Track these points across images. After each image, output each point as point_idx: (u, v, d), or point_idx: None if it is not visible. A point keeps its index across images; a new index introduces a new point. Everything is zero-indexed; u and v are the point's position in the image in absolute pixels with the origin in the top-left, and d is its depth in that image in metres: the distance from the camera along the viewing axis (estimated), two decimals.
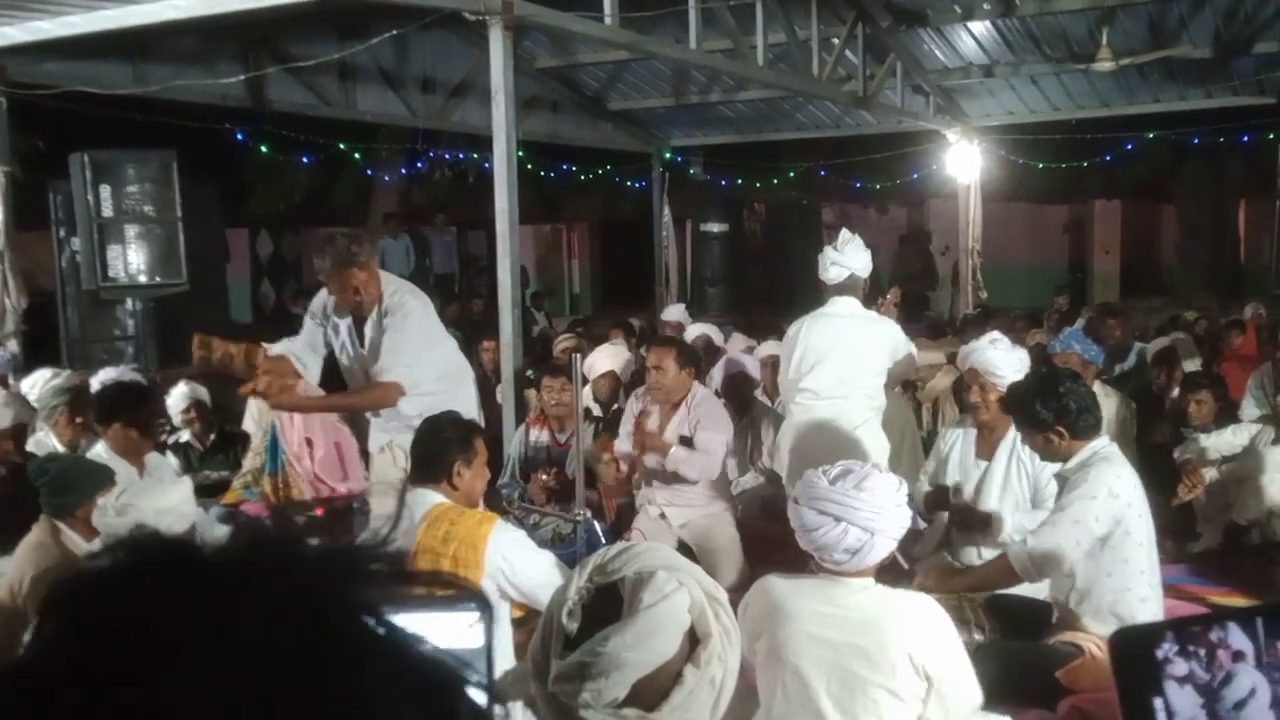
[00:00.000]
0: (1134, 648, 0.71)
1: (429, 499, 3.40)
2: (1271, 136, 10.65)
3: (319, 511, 5.11)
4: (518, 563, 3.25)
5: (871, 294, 5.39)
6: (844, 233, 5.26)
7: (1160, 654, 0.71)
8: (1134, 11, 8.68)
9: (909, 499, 2.78)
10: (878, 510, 2.64)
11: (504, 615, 3.27)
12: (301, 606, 0.59)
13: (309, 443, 5.38)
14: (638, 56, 9.39)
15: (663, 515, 5.12)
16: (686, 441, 5.01)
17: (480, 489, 3.63)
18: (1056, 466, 3.92)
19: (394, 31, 7.57)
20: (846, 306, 5.06)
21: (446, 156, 13.34)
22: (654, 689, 1.71)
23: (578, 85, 11.17)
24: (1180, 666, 0.71)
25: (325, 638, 0.58)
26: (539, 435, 5.64)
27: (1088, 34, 9.07)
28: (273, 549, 0.62)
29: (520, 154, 6.42)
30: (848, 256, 5.08)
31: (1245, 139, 12.31)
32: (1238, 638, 0.72)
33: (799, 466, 4.75)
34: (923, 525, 4.91)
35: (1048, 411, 3.63)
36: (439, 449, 3.50)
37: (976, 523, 4.38)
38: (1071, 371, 4.25)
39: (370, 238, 10.00)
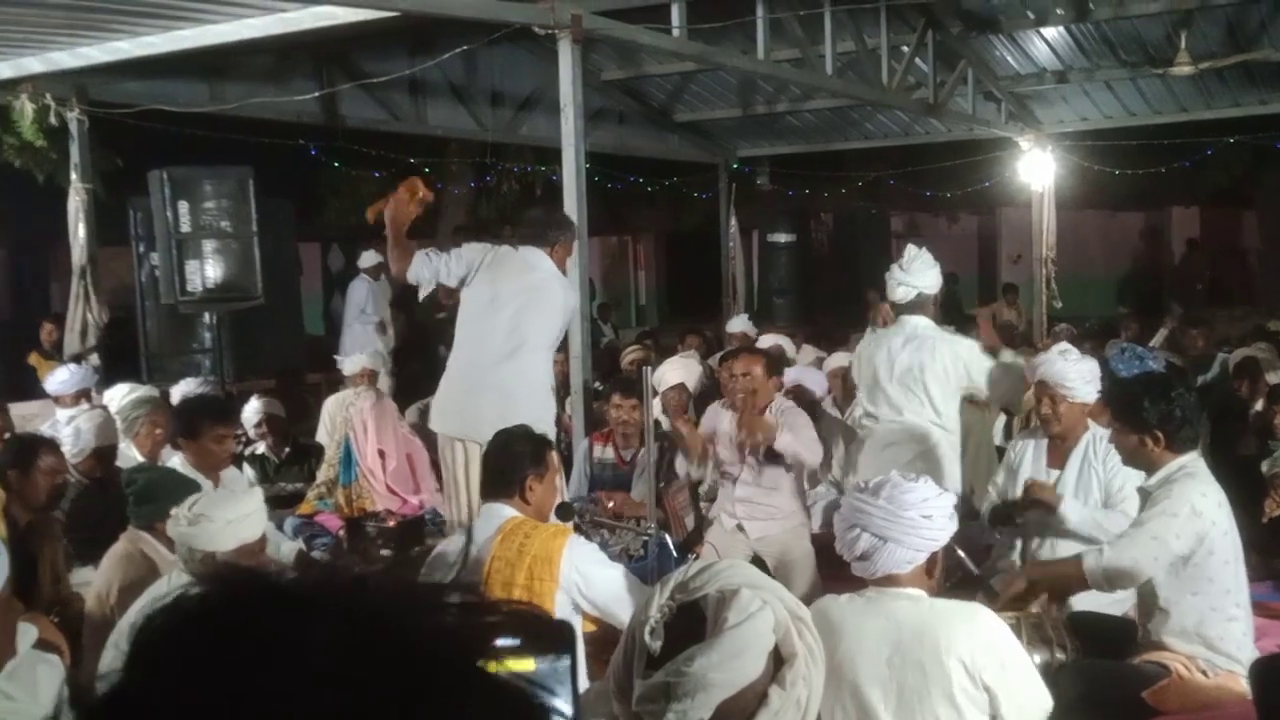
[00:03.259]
0: (1276, 677, 0.66)
1: (502, 512, 3.41)
2: None
3: (391, 523, 5.15)
4: (592, 577, 3.24)
5: (947, 308, 5.28)
6: (910, 249, 5.16)
7: None
8: (1212, 15, 8.48)
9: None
10: (892, 518, 2.61)
11: (577, 630, 3.26)
12: (385, 642, 0.58)
13: (381, 454, 5.43)
14: (705, 67, 9.37)
15: (740, 527, 5.07)
16: (771, 452, 4.97)
17: (551, 503, 3.64)
18: (1129, 474, 3.84)
19: (464, 47, 7.63)
20: (914, 327, 4.98)
21: (514, 169, 13.43)
22: (739, 710, 1.69)
23: (644, 97, 11.19)
24: None
25: (411, 673, 0.58)
26: (603, 452, 5.60)
27: (1165, 38, 8.88)
28: (353, 585, 0.62)
29: (587, 166, 6.43)
30: (914, 275, 5.00)
31: None
32: None
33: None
34: (995, 539, 4.85)
35: (1154, 413, 3.54)
36: (511, 463, 3.51)
37: (1046, 498, 4.28)
38: (1183, 378, 4.16)
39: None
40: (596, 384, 6.43)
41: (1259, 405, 6.63)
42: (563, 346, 5.92)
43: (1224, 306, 15.69)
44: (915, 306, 5.00)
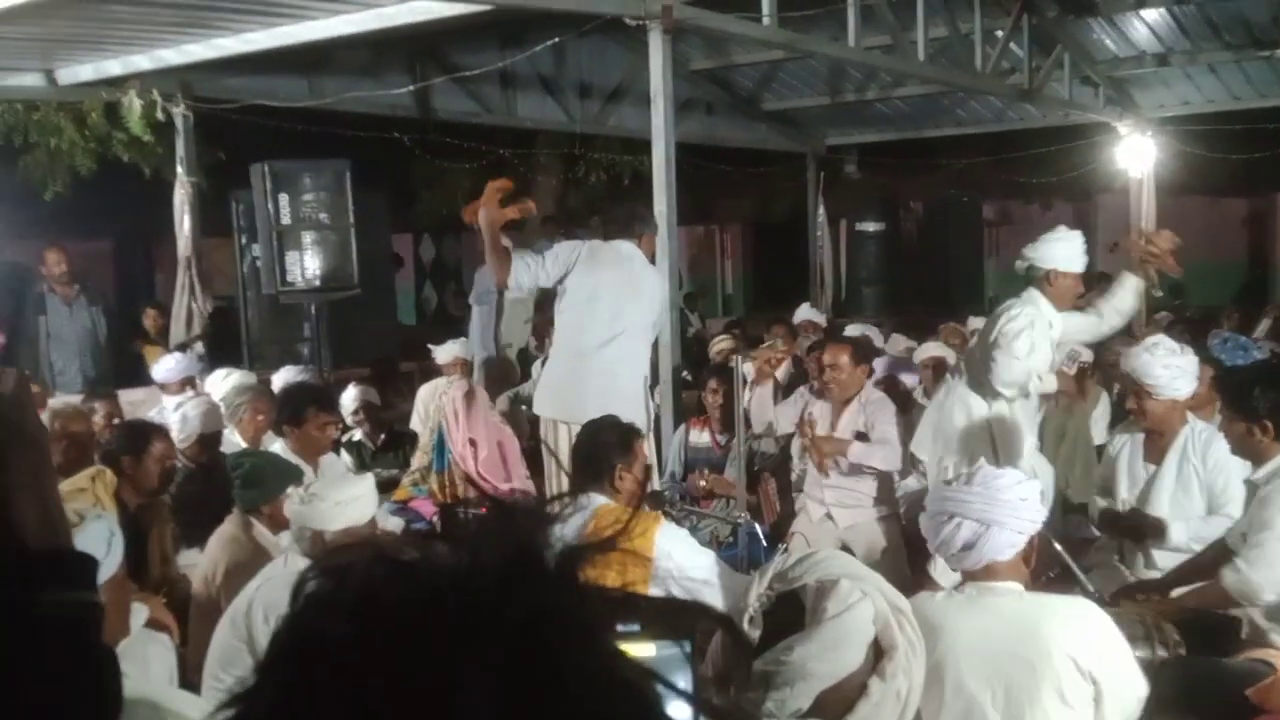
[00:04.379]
0: None
1: (594, 500, 3.45)
2: None
3: (484, 510, 5.23)
4: (684, 562, 3.27)
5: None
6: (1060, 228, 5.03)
7: None
8: None
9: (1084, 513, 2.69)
10: (991, 502, 2.59)
11: None
12: (531, 642, 0.60)
13: (472, 443, 5.53)
14: (793, 56, 9.31)
15: (829, 516, 5.08)
16: (862, 437, 4.99)
17: (641, 493, 3.68)
18: (1232, 471, 3.75)
19: (554, 40, 7.69)
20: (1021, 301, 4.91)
21: (602, 160, 13.50)
22: (838, 700, 1.70)
23: (732, 86, 11.15)
24: None
25: (555, 675, 0.60)
26: (700, 436, 5.66)
27: (1271, 19, 8.60)
28: (499, 578, 0.64)
29: (675, 156, 6.46)
30: (1031, 247, 4.92)
31: None
32: None
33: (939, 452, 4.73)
34: (1095, 534, 4.76)
35: (1264, 401, 3.46)
36: (601, 453, 3.56)
37: (1149, 530, 4.20)
38: None
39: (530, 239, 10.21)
40: (685, 373, 6.46)
41: None
42: None
43: None
44: (1030, 280, 4.91)
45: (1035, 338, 4.71)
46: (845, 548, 4.98)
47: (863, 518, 5.07)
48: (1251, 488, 3.54)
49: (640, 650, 0.72)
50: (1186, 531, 4.11)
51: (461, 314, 11.26)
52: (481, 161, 10.94)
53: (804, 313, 8.80)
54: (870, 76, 10.47)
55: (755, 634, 1.75)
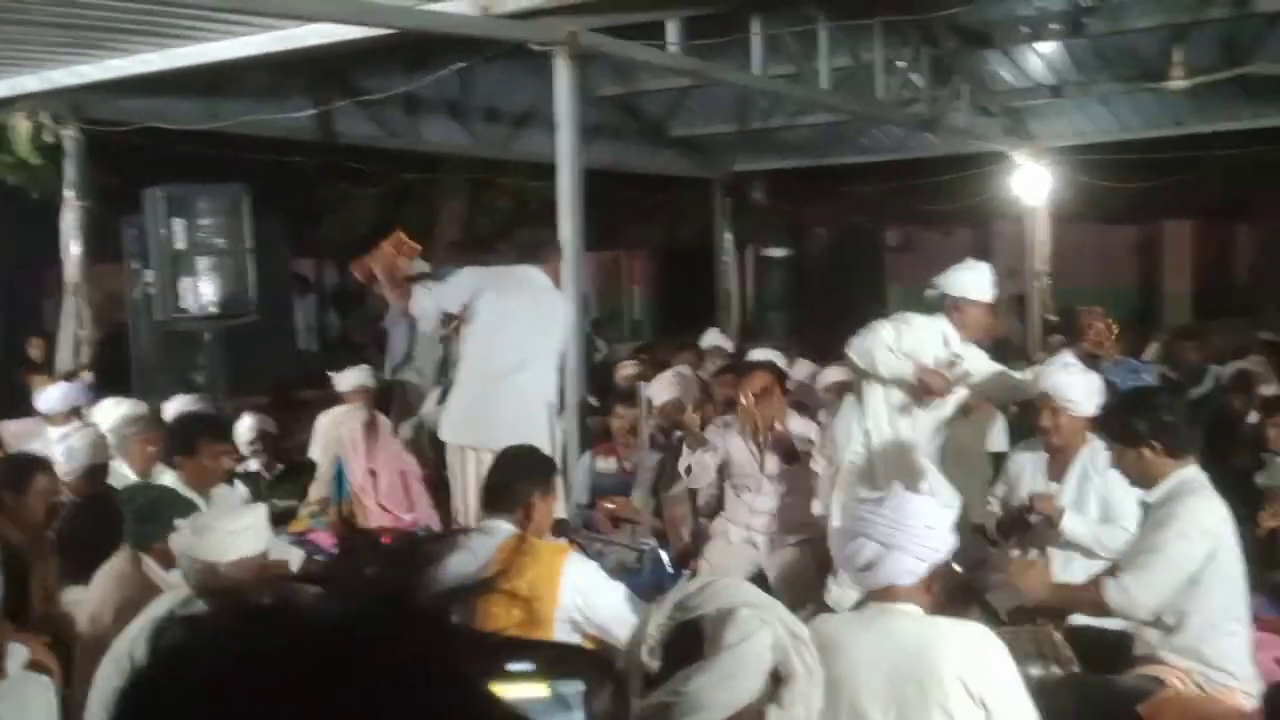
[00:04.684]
0: None
1: (502, 529, 3.39)
2: None
3: (385, 540, 5.13)
4: (592, 596, 3.23)
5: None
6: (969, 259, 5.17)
7: None
8: (1207, 29, 8.51)
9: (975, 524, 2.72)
10: (897, 526, 2.62)
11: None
12: (400, 690, 0.57)
13: (372, 473, 5.43)
14: (701, 83, 9.39)
15: (752, 541, 5.12)
16: (791, 455, 5.07)
17: (549, 524, 3.64)
18: (1128, 487, 3.83)
19: (460, 64, 7.64)
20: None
21: (509, 185, 13.45)
22: None
23: (640, 113, 11.21)
24: None
25: (417, 696, 0.57)
26: (606, 463, 5.64)
27: (1159, 52, 8.91)
28: (386, 617, 0.61)
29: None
30: (942, 276, 5.03)
31: None
32: None
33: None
34: (989, 552, 4.85)
35: (1143, 424, 3.55)
36: (516, 481, 3.49)
37: (1052, 538, 4.28)
38: (1168, 386, 4.19)
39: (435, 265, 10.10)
40: (591, 399, 6.43)
41: (1253, 417, 6.63)
42: None
43: (1213, 319, 15.69)
44: (942, 309, 5.00)
45: (904, 332, 4.83)
46: (762, 572, 5.04)
47: (789, 541, 5.12)
48: (1146, 508, 3.62)
49: (534, 690, 0.71)
50: (1083, 524, 4.22)
51: (365, 340, 11.10)
52: (386, 186, 10.83)
53: (711, 338, 8.86)
54: (776, 104, 10.61)
55: (654, 664, 1.71)
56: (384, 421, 5.83)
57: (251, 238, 6.84)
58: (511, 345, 4.87)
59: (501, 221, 13.62)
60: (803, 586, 4.90)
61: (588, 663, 0.73)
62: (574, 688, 0.76)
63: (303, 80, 8.33)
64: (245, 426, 6.29)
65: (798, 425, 5.20)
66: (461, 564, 3.40)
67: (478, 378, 4.93)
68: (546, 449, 4.53)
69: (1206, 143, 11.75)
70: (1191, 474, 3.56)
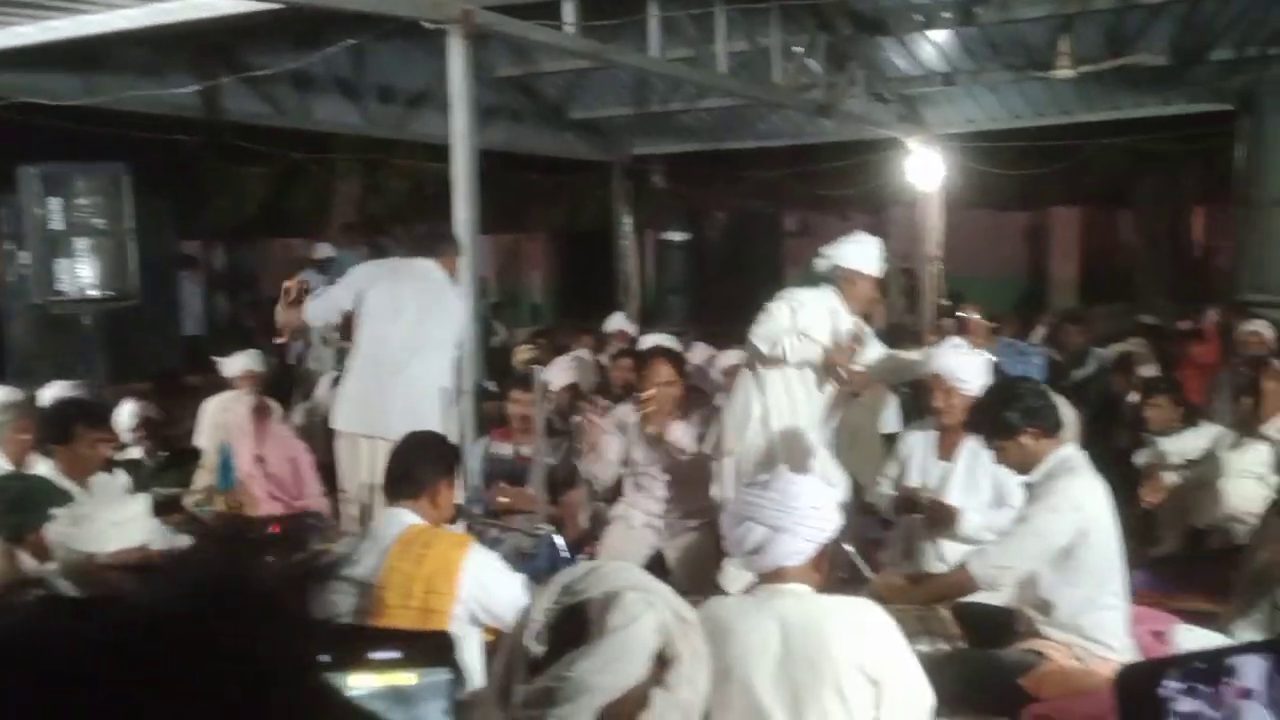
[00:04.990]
0: (1137, 685, 0.66)
1: (403, 519, 3.32)
2: (1227, 142, 10.75)
3: (274, 529, 5.01)
4: (493, 587, 3.19)
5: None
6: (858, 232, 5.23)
7: (1165, 691, 0.66)
8: (1093, 19, 8.74)
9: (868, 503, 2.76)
10: (783, 508, 2.65)
11: (475, 642, 3.20)
12: (229, 681, 0.54)
13: (260, 459, 5.30)
14: (599, 65, 9.34)
15: (651, 525, 5.14)
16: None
17: (452, 512, 3.60)
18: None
19: (351, 41, 7.47)
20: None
21: (405, 166, 13.24)
22: (621, 714, 1.66)
23: (538, 94, 11.11)
24: (1185, 704, 0.66)
25: (255, 714, 0.54)
26: (502, 449, 5.59)
27: (1047, 42, 9.11)
28: (224, 607, 0.59)
29: (479, 164, 6.38)
30: (833, 246, 5.08)
31: (1203, 146, 12.45)
32: (1244, 675, 0.67)
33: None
34: (883, 534, 4.94)
35: (1015, 414, 3.64)
36: (422, 465, 3.43)
37: (946, 518, 4.37)
38: (1024, 376, 4.33)
39: (329, 248, 9.90)
40: (490, 384, 6.36)
41: (1133, 398, 6.85)
42: None
43: (1099, 303, 16.21)
44: (832, 281, 5.05)
45: (798, 311, 4.89)
46: (661, 556, 5.06)
47: (689, 525, 5.14)
48: (1028, 489, 3.71)
49: (402, 679, 0.70)
50: (980, 519, 4.31)
51: (256, 324, 10.83)
52: (277, 165, 10.56)
53: (616, 322, 8.86)
54: (675, 88, 10.61)
55: (539, 649, 1.69)
56: (273, 407, 5.69)
57: (133, 218, 6.61)
58: (404, 335, 4.82)
59: (397, 203, 13.41)
60: (703, 570, 4.92)
61: (448, 645, 0.71)
62: (442, 675, 0.74)
63: (186, 55, 8.06)
64: (127, 413, 6.08)
65: (681, 432, 5.19)
66: (361, 553, 3.35)
67: (371, 367, 4.86)
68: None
69: (1092, 131, 12.11)
70: (1068, 452, 3.67)
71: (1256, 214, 9.81)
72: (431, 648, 0.72)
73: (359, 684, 0.68)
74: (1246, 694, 0.68)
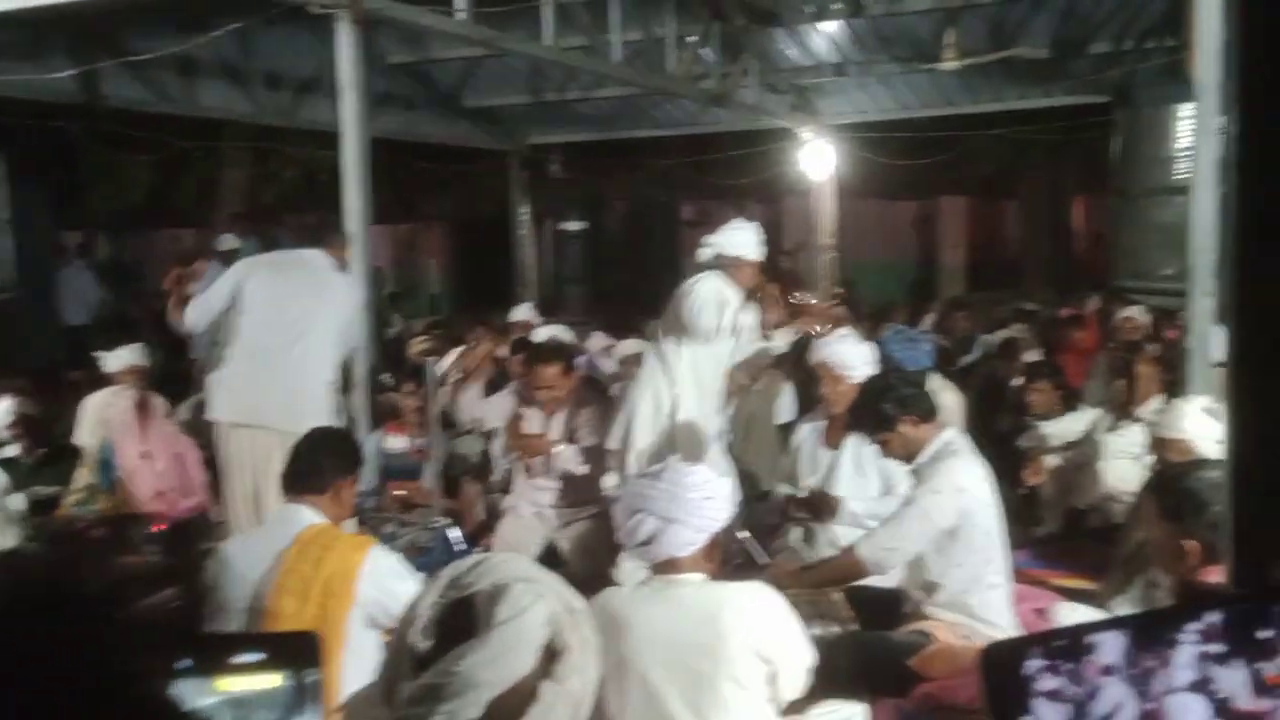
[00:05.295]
0: (1002, 663, 0.68)
1: (303, 517, 3.22)
2: (1105, 134, 11.12)
3: (159, 527, 4.88)
4: (393, 590, 3.13)
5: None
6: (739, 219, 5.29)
7: (1028, 670, 0.68)
8: (977, 13, 8.95)
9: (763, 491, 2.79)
10: (674, 500, 2.67)
11: (371, 646, 3.13)
12: (50, 682, 0.53)
13: (146, 456, 5.14)
14: (493, 53, 9.26)
15: (542, 515, 5.12)
16: (574, 438, 5.11)
17: (352, 512, 3.53)
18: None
19: (236, 25, 7.27)
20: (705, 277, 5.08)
21: (296, 154, 12.95)
22: (510, 707, 1.65)
23: (432, 81, 10.97)
24: (1049, 681, 0.68)
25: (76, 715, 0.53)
26: (396, 442, 5.52)
27: (933, 34, 9.31)
28: (20, 617, 0.57)
29: (373, 151, 6.27)
30: (718, 234, 5.12)
31: (1082, 137, 12.85)
32: (1104, 651, 0.70)
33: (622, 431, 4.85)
34: (778, 520, 5.01)
35: (890, 405, 3.73)
36: (327, 461, 3.34)
37: (828, 509, 4.45)
38: (894, 368, 4.45)
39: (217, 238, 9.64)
40: (386, 376, 6.27)
41: (1017, 382, 7.04)
42: None
43: (986, 291, 16.64)
44: (716, 268, 5.08)
45: (721, 295, 4.93)
46: (554, 547, 5.04)
47: (579, 515, 5.13)
48: (915, 474, 3.79)
49: (267, 681, 0.69)
50: (862, 507, 4.40)
51: (141, 317, 10.51)
52: (161, 153, 10.24)
53: (522, 312, 8.80)
54: (570, 76, 10.57)
55: (425, 645, 1.67)
56: (158, 402, 5.53)
57: (9, 207, 6.37)
58: (284, 324, 4.71)
59: (289, 192, 13.12)
60: (598, 560, 4.93)
61: (311, 644, 0.70)
62: (310, 677, 0.72)
63: (64, 38, 7.76)
64: (2, 410, 5.85)
65: (569, 458, 5.21)
66: (256, 552, 3.26)
67: (248, 356, 4.73)
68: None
69: (977, 122, 12.43)
70: (950, 436, 3.77)
71: (1131, 204, 10.18)
72: (298, 649, 0.71)
73: (223, 688, 0.67)
74: (1107, 670, 0.70)
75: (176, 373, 8.74)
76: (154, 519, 4.98)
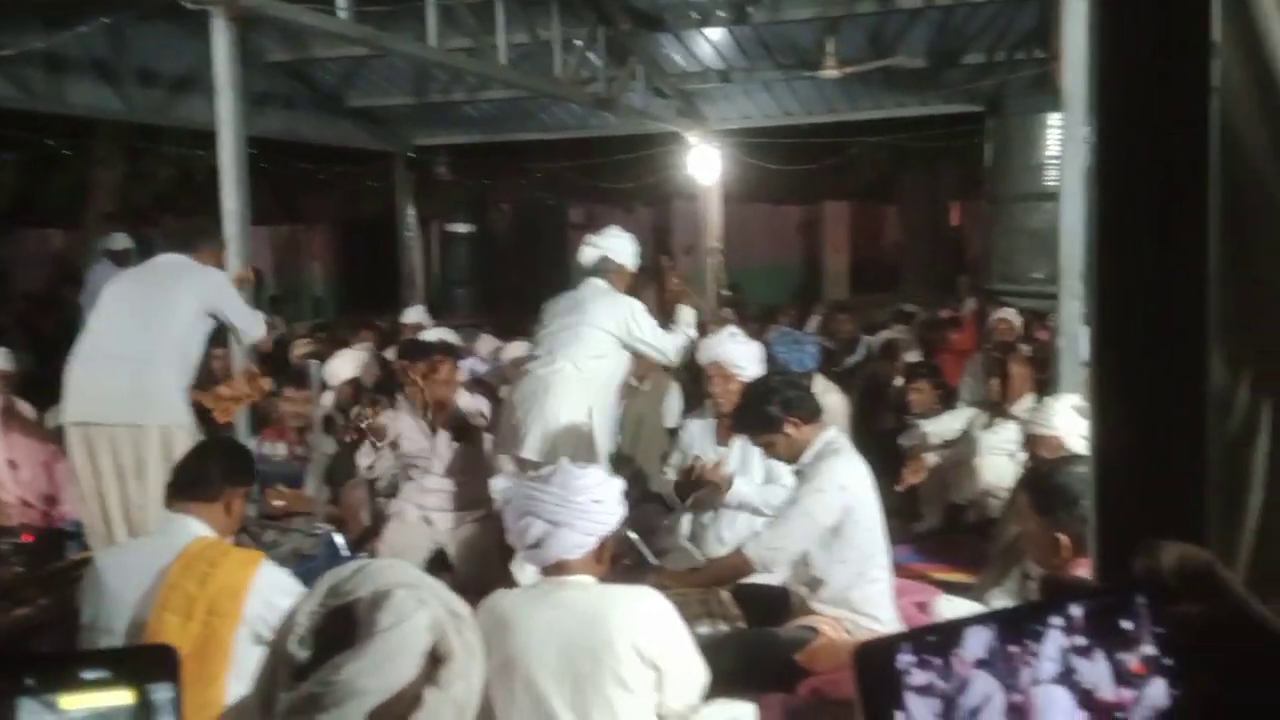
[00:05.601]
0: (874, 660, 0.69)
1: (189, 529, 3.09)
2: (979, 142, 11.46)
3: (27, 538, 4.67)
4: (282, 607, 3.03)
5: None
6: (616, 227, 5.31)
7: (900, 665, 0.69)
8: (857, 22, 9.13)
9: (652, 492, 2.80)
10: (564, 503, 2.68)
11: (258, 659, 3.03)
12: None
13: (12, 464, 4.93)
14: (377, 53, 9.12)
15: (427, 520, 5.05)
16: (464, 432, 5.11)
17: (242, 520, 3.42)
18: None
19: (105, 20, 7.02)
20: (587, 288, 5.06)
21: (172, 154, 12.57)
22: (392, 715, 1.62)
23: (313, 81, 10.75)
24: (919, 676, 0.70)
25: None
26: (274, 449, 5.39)
27: (815, 43, 9.48)
28: None
29: (253, 152, 6.12)
30: (603, 238, 5.13)
31: (958, 144, 13.24)
32: (973, 645, 0.71)
33: (508, 435, 4.79)
34: (666, 521, 5.04)
35: (776, 408, 3.79)
36: (220, 470, 3.22)
37: (720, 483, 4.49)
38: (777, 371, 4.54)
39: (90, 240, 9.29)
40: (266, 379, 6.12)
41: (899, 382, 7.22)
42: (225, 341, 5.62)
43: (868, 294, 17.03)
44: (597, 270, 5.08)
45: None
46: (441, 551, 4.99)
47: (464, 519, 5.08)
48: (799, 475, 3.85)
49: (117, 698, 0.66)
50: (748, 486, 4.50)
51: (9, 321, 10.09)
52: (28, 152, 9.84)
53: (413, 315, 8.71)
54: (456, 78, 10.48)
55: (304, 654, 1.63)
56: (24, 409, 5.30)
57: None
58: (135, 324, 4.55)
59: (164, 192, 12.72)
60: (485, 563, 4.89)
61: (164, 659, 0.68)
62: (164, 693, 0.70)
63: None
64: None
65: (467, 401, 5.19)
66: (135, 566, 3.12)
67: (95, 355, 4.56)
68: (180, 427, 4.33)
69: (859, 129, 12.70)
70: (832, 435, 3.86)
71: (1003, 209, 10.51)
72: (152, 664, 0.68)
73: (68, 706, 0.64)
74: (975, 664, 0.72)
75: (46, 378, 8.41)
76: (20, 530, 4.76)
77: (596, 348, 4.86)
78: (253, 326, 4.89)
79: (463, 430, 5.14)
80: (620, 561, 4.00)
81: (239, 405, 4.97)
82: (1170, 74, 1.09)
